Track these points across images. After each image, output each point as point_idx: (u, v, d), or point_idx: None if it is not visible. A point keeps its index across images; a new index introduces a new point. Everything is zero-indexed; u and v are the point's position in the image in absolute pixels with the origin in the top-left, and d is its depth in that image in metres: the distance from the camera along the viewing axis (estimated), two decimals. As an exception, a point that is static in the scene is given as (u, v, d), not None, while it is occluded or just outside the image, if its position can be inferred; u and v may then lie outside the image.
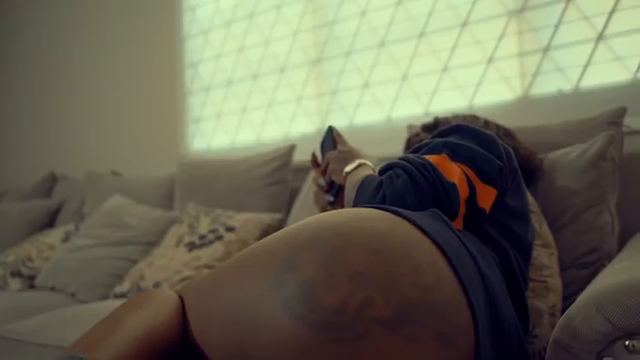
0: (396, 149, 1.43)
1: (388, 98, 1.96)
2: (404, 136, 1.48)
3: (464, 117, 1.21)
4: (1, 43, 3.47)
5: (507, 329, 0.64)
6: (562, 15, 1.60)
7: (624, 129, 1.26)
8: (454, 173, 0.74)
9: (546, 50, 1.63)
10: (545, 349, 0.95)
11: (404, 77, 1.92)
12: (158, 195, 2.27)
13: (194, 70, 2.56)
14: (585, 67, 1.55)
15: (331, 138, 1.05)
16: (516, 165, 0.84)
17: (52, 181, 2.83)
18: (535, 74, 1.65)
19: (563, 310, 1.04)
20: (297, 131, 2.20)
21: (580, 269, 1.12)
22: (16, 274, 1.93)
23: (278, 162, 1.91)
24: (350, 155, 0.96)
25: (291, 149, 1.92)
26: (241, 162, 2.01)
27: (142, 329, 0.63)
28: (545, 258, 1.05)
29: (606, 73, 1.52)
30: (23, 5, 3.35)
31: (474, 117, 1.21)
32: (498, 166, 0.78)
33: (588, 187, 1.16)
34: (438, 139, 0.81)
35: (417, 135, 1.23)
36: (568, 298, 1.08)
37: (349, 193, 0.84)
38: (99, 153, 2.88)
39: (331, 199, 1.04)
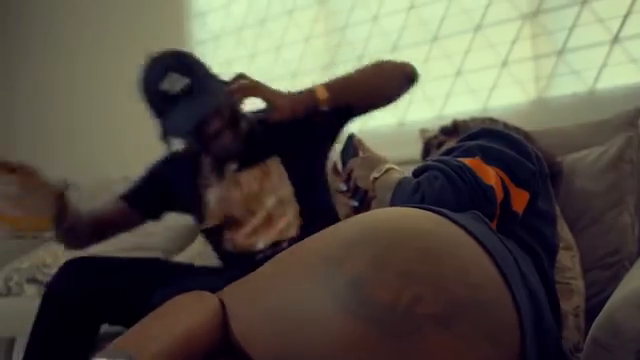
0: (408, 153, 1.42)
1: (401, 102, 1.95)
2: (417, 140, 1.48)
3: (483, 120, 1.22)
4: (5, 46, 3.49)
5: (548, 329, 0.64)
6: (577, 18, 1.60)
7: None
8: (490, 176, 0.74)
9: (561, 53, 1.63)
10: (571, 350, 0.95)
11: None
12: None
13: (205, 76, 2.57)
14: (600, 69, 1.56)
15: (352, 146, 1.06)
16: (546, 169, 0.84)
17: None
18: (550, 77, 1.65)
19: (586, 311, 1.05)
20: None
21: (602, 270, 1.12)
22: (31, 280, 1.94)
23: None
24: (375, 160, 0.96)
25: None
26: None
27: (185, 329, 0.64)
28: (567, 260, 1.06)
29: (621, 75, 1.53)
30: (27, 8, 3.37)
31: (492, 120, 1.21)
32: (531, 170, 0.78)
33: (608, 189, 1.16)
34: (469, 142, 0.81)
35: (436, 138, 1.24)
36: (590, 299, 1.07)
37: (383, 195, 0.84)
38: (107, 159, 2.88)
39: (356, 204, 1.05)
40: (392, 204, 0.78)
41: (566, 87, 1.62)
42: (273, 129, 1.25)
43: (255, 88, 1.19)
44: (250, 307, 0.64)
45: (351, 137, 1.07)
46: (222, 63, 2.51)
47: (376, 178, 0.90)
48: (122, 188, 2.43)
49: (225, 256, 1.29)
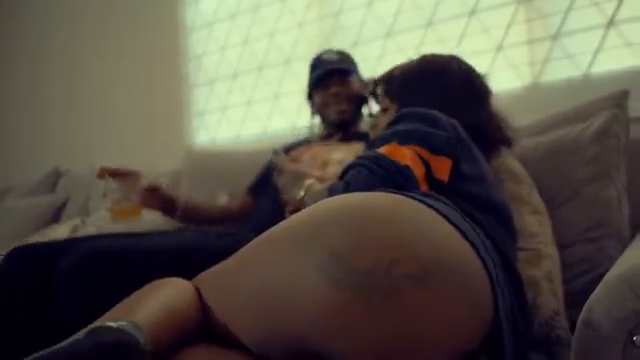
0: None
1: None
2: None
3: (433, 58, 1.12)
4: (2, 39, 3.45)
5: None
6: (572, 1, 1.59)
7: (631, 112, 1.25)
8: (405, 155, 0.81)
9: (556, 37, 1.62)
10: (551, 317, 0.94)
11: (412, 67, 1.91)
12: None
13: (198, 63, 2.55)
14: (595, 53, 1.55)
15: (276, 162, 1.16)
16: (463, 135, 0.91)
17: (56, 177, 2.82)
18: (545, 61, 1.64)
19: (566, 281, 1.04)
20: (303, 123, 2.19)
21: (585, 244, 1.09)
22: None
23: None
24: (297, 176, 1.06)
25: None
26: (250, 156, 2.00)
27: (164, 306, 0.65)
28: (535, 226, 1.05)
29: (617, 59, 1.52)
30: (26, 2, 3.34)
31: (425, 57, 1.12)
32: (444, 137, 0.86)
33: (590, 161, 1.14)
34: (387, 130, 0.90)
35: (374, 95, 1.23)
36: (580, 276, 1.07)
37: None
38: (102, 148, 2.87)
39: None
40: None
41: (561, 71, 1.61)
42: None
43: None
44: (232, 291, 0.65)
45: (275, 153, 1.18)
46: (216, 50, 2.49)
47: (302, 197, 0.99)
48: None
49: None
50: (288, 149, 1.55)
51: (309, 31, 2.20)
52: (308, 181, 1.01)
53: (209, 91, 2.51)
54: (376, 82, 1.15)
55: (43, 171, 2.87)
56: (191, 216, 1.43)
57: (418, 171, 0.81)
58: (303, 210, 0.70)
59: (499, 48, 1.73)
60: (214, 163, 2.11)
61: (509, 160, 1.15)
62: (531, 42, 1.68)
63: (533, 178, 1.16)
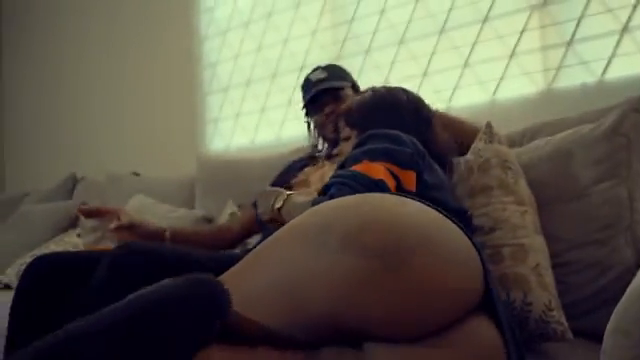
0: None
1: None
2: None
3: (385, 92, 1.22)
4: (23, 45, 3.52)
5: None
6: (585, 8, 1.59)
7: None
8: (378, 171, 0.91)
9: (569, 43, 1.62)
10: (544, 312, 0.94)
11: (424, 73, 1.92)
12: (179, 195, 2.28)
13: (212, 70, 2.58)
14: (610, 59, 1.55)
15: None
16: (422, 149, 1.01)
17: (73, 183, 2.86)
18: (558, 68, 1.64)
19: (577, 286, 1.03)
20: (317, 129, 2.21)
21: (596, 246, 1.07)
22: (43, 273, 1.95)
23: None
24: (270, 193, 1.10)
25: (314, 146, 1.93)
26: (263, 162, 2.02)
27: None
28: (517, 218, 1.04)
29: (631, 65, 1.52)
30: (45, 10, 3.40)
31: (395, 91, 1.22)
32: (409, 152, 0.96)
33: (600, 160, 1.11)
34: (356, 150, 0.99)
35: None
36: (592, 281, 1.05)
37: (297, 213, 0.99)
38: (118, 154, 2.91)
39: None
40: None
41: (575, 78, 1.61)
42: None
43: None
44: (252, 283, 0.69)
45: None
46: (229, 58, 2.52)
47: (279, 208, 1.04)
48: (130, 182, 2.47)
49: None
50: (293, 166, 1.55)
51: (322, 38, 2.22)
52: (287, 192, 1.05)
53: (223, 98, 2.54)
54: (337, 115, 1.28)
55: (59, 177, 2.92)
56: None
57: (390, 184, 0.91)
58: (304, 214, 0.74)
59: (512, 55, 1.73)
60: (228, 170, 2.13)
61: (501, 147, 1.14)
62: (545, 49, 1.68)
63: (540, 177, 1.15)
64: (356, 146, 1.02)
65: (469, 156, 1.15)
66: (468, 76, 1.83)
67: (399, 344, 0.63)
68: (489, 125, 1.15)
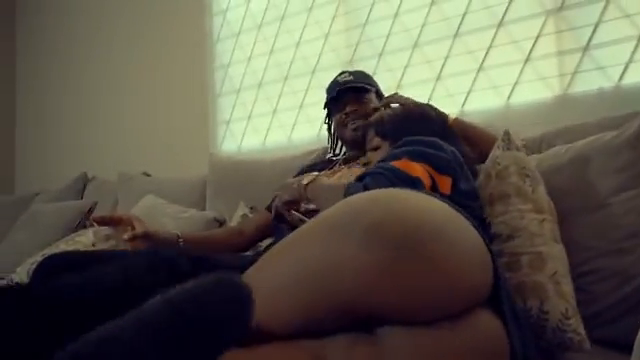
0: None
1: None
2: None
3: (414, 107, 1.31)
4: (35, 46, 3.54)
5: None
6: (602, 13, 1.58)
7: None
8: (416, 169, 0.94)
9: (586, 49, 1.61)
10: (561, 320, 0.93)
11: (438, 77, 1.92)
12: (189, 196, 2.29)
13: (224, 72, 2.59)
14: (627, 65, 1.54)
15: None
16: (460, 158, 1.04)
17: (83, 182, 2.87)
18: (574, 73, 1.63)
19: (600, 295, 1.02)
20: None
21: (619, 256, 1.06)
22: (54, 272, 1.96)
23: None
24: (290, 182, 1.17)
25: (324, 151, 1.93)
26: (275, 164, 2.02)
27: None
28: (535, 226, 1.03)
29: (648, 71, 1.51)
30: (56, 11, 3.42)
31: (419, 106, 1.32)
32: (446, 159, 0.99)
33: (624, 168, 1.10)
34: (396, 150, 1.02)
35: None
36: (615, 290, 1.04)
37: (326, 193, 1.07)
38: (129, 155, 2.92)
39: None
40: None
41: (591, 83, 1.60)
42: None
43: (399, 96, 1.45)
44: (271, 278, 0.72)
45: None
46: (242, 60, 2.52)
47: (307, 184, 1.10)
48: (141, 182, 2.47)
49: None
50: (306, 170, 1.55)
51: (335, 42, 2.23)
52: (314, 173, 1.09)
53: (235, 100, 2.54)
54: (366, 126, 1.32)
55: (70, 177, 2.93)
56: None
57: (426, 183, 0.94)
58: (335, 205, 0.75)
59: (527, 59, 1.72)
60: (239, 171, 2.13)
61: (519, 154, 1.13)
62: (560, 54, 1.67)
63: (561, 185, 1.14)
64: (394, 148, 1.06)
65: (487, 163, 1.14)
66: (482, 80, 1.82)
67: (410, 327, 0.68)
68: (507, 132, 1.14)
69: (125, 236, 1.22)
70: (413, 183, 0.92)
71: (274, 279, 0.72)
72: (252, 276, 0.76)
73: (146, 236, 1.23)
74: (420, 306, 0.67)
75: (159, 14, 2.87)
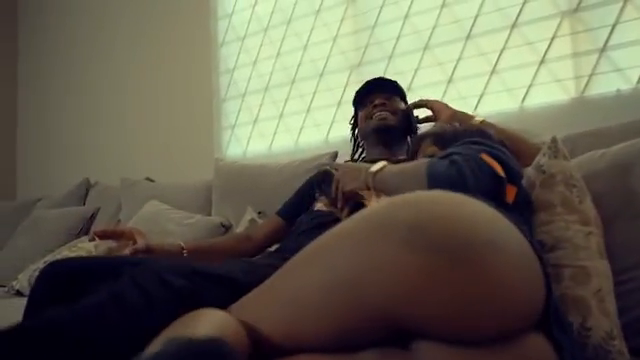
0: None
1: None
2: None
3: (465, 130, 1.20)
4: (37, 47, 3.51)
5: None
6: (620, 14, 1.55)
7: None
8: (499, 169, 0.85)
9: (603, 50, 1.58)
10: (604, 339, 0.88)
11: (449, 80, 1.88)
12: (194, 201, 2.24)
13: (230, 76, 2.55)
14: (646, 67, 1.51)
15: (330, 177, 1.13)
16: (522, 171, 0.99)
17: (86, 188, 2.83)
18: (591, 75, 1.60)
19: (632, 308, 0.97)
20: (336, 136, 2.16)
21: None
22: (56, 279, 1.91)
23: (322, 169, 1.87)
24: (358, 167, 1.06)
25: (333, 156, 1.90)
26: (282, 169, 1.98)
27: (219, 327, 0.64)
28: (581, 239, 0.98)
29: (668, 73, 1.47)
30: (59, 11, 3.40)
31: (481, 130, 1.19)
32: (516, 169, 0.92)
33: None
34: (471, 145, 0.93)
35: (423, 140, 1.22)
36: None
37: (397, 179, 0.95)
38: (133, 160, 2.88)
39: (348, 210, 1.05)
40: (429, 175, 0.87)
41: (609, 85, 1.57)
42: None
43: (427, 101, 1.45)
44: (291, 296, 0.66)
45: (328, 173, 1.17)
46: (247, 63, 2.49)
47: (375, 172, 0.99)
48: (144, 188, 2.43)
49: None
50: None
51: (343, 44, 2.19)
52: (381, 163, 1.00)
53: (241, 104, 2.51)
54: (422, 137, 1.22)
55: (72, 182, 2.89)
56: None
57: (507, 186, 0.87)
58: (369, 207, 0.70)
59: (542, 61, 1.69)
60: (245, 176, 2.09)
61: (566, 163, 1.09)
62: (576, 55, 1.64)
63: (597, 191, 1.09)
64: (461, 144, 0.97)
65: (530, 170, 1.09)
66: (495, 83, 1.79)
67: (451, 345, 0.59)
68: (555, 140, 1.09)
69: (126, 251, 1.19)
70: (500, 182, 0.84)
71: (301, 288, 0.66)
72: (276, 286, 0.71)
73: (148, 250, 1.20)
74: (466, 321, 0.58)
75: (163, 17, 2.84)
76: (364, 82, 1.53)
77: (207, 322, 0.65)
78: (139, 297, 0.76)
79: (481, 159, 0.85)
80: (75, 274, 1.05)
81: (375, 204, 0.69)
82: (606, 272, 0.98)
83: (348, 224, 0.66)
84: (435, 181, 0.85)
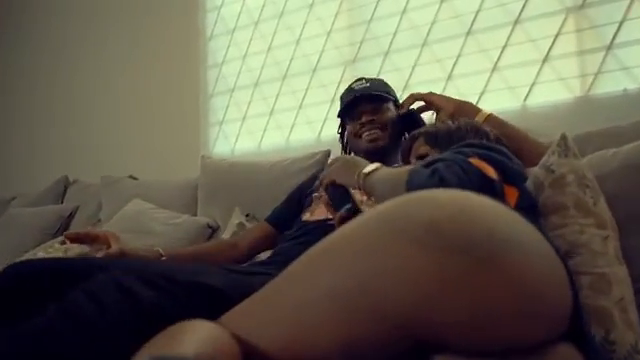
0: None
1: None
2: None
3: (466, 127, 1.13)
4: (19, 46, 3.37)
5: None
6: (627, 11, 1.50)
7: None
8: (491, 171, 0.78)
9: (609, 48, 1.53)
10: (630, 352, 0.82)
11: (449, 77, 1.82)
12: (179, 200, 2.14)
13: (218, 71, 2.46)
14: (654, 65, 1.46)
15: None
16: (525, 173, 0.94)
17: (64, 185, 2.70)
18: (597, 73, 1.55)
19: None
20: (329, 134, 2.08)
21: None
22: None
23: (313, 169, 1.78)
24: (354, 161, 1.01)
25: (326, 155, 1.82)
26: (272, 167, 1.90)
27: (208, 340, 0.57)
28: (598, 244, 0.92)
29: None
30: (45, 7, 3.27)
31: (475, 127, 1.13)
32: (517, 170, 0.89)
33: None
34: (463, 148, 0.88)
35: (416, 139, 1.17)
36: None
37: (382, 186, 0.90)
38: (115, 157, 2.75)
39: (349, 206, 0.99)
40: (409, 187, 0.79)
41: (615, 84, 1.52)
42: None
43: (422, 96, 1.36)
44: (302, 293, 0.59)
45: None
46: (236, 58, 2.40)
47: (367, 173, 0.93)
48: (127, 186, 2.31)
49: None
50: (307, 185, 1.46)
51: (337, 39, 2.12)
52: (376, 164, 0.95)
53: (229, 100, 2.41)
54: (416, 135, 1.17)
55: (50, 180, 2.76)
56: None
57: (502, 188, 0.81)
58: (378, 206, 0.63)
59: (546, 59, 1.63)
60: (233, 174, 2.00)
61: (578, 162, 1.02)
62: (582, 53, 1.58)
63: (609, 192, 1.03)
64: (455, 148, 0.92)
65: (537, 170, 1.02)
66: (497, 81, 1.73)
67: (473, 357, 0.53)
68: (564, 137, 1.02)
69: (99, 254, 1.12)
70: (491, 186, 0.77)
71: (305, 295, 0.59)
72: (274, 295, 0.63)
73: (122, 255, 1.11)
74: (489, 328, 0.53)
75: (150, 10, 2.73)
76: (348, 88, 1.43)
77: (195, 336, 0.58)
78: (95, 314, 0.64)
79: (468, 162, 0.79)
80: (37, 277, 0.94)
81: (365, 206, 0.62)
82: (626, 279, 0.91)
83: (357, 224, 0.59)
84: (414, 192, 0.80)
